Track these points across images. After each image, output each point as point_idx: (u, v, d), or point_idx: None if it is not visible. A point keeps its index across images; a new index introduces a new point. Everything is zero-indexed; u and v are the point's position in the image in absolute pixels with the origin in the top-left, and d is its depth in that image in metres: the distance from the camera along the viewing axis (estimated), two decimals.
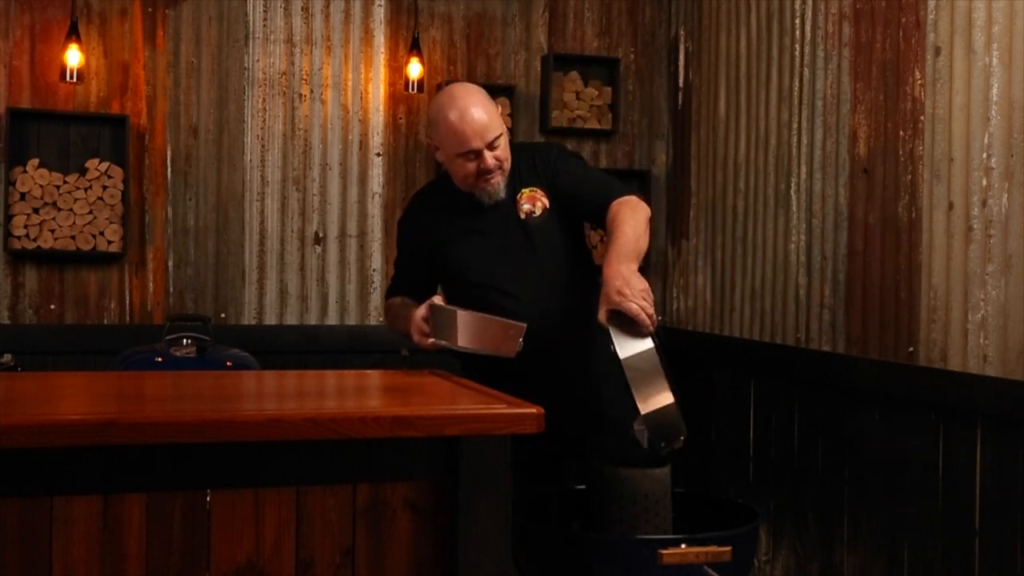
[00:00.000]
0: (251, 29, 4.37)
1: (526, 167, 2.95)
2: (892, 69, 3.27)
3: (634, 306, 2.41)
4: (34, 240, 4.08)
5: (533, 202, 2.91)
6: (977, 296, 2.90)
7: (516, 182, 2.91)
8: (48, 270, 4.16)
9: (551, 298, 2.86)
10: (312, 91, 4.43)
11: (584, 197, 2.88)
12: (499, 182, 2.86)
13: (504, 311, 2.76)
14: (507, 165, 2.87)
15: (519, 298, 2.85)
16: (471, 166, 2.81)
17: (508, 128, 4.54)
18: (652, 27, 4.79)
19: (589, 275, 2.93)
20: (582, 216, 2.94)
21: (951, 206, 3.00)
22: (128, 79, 4.25)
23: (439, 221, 2.95)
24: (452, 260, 2.93)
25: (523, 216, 2.88)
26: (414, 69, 4.40)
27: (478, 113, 2.78)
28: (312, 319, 4.42)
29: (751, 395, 4.01)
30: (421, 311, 2.76)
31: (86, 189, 4.13)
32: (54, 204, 4.10)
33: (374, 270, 4.49)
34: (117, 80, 4.24)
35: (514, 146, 3.01)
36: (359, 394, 2.22)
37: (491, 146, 2.80)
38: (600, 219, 2.84)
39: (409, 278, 3.04)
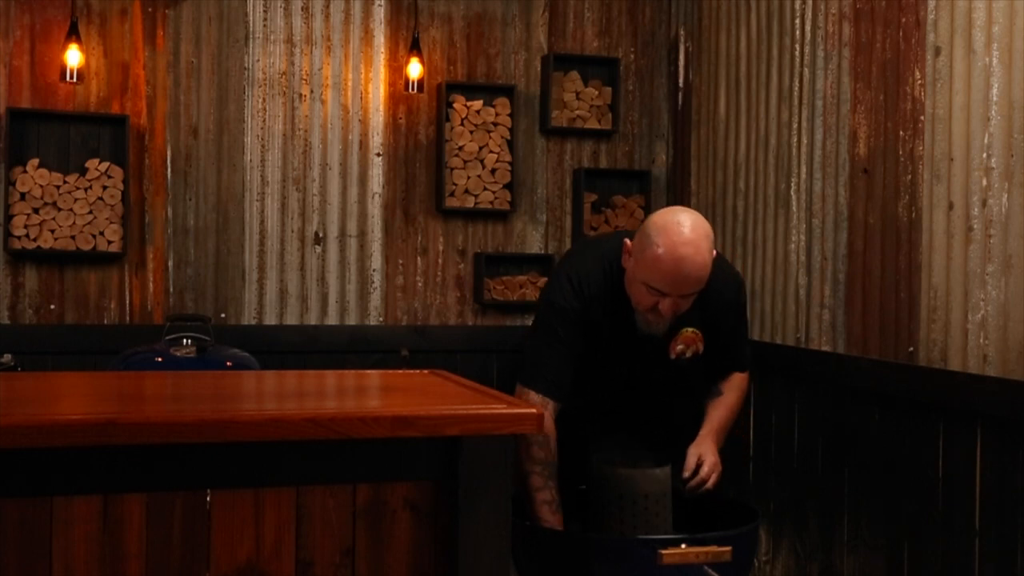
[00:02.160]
0: (251, 29, 4.37)
1: (707, 298, 2.76)
2: (892, 69, 3.27)
3: (704, 475, 2.79)
4: (34, 240, 4.08)
5: (689, 344, 2.81)
6: (977, 296, 2.90)
7: (686, 313, 2.74)
8: (48, 270, 4.16)
9: (646, 412, 2.95)
10: (312, 91, 4.43)
11: (723, 353, 2.90)
12: (664, 327, 2.73)
13: (601, 419, 2.90)
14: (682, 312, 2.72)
15: (622, 417, 2.93)
16: (649, 300, 2.66)
17: (508, 128, 4.56)
18: (652, 27, 4.79)
19: (692, 389, 2.97)
20: (708, 355, 2.88)
21: (951, 206, 3.00)
22: (128, 79, 4.25)
23: (603, 325, 2.79)
24: (593, 355, 2.81)
25: (674, 356, 2.81)
26: (414, 69, 4.40)
27: (693, 270, 2.59)
28: (312, 319, 4.42)
29: (751, 395, 4.01)
30: None
31: (86, 189, 4.13)
32: (54, 204, 4.10)
33: (374, 270, 4.49)
34: (117, 80, 4.24)
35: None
36: (359, 394, 2.22)
37: (682, 296, 2.65)
38: (713, 371, 2.92)
39: (566, 372, 2.78)
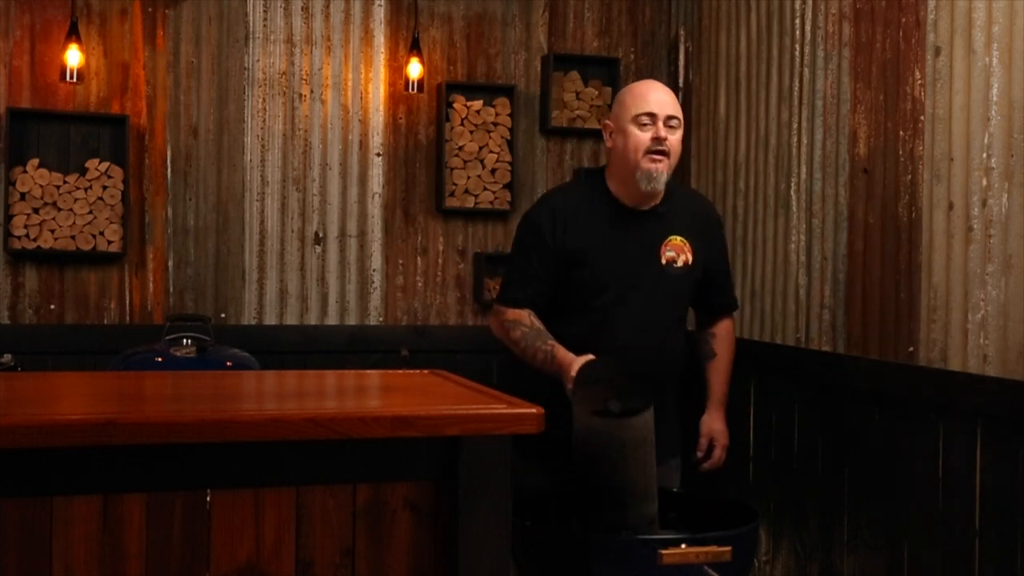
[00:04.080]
0: (251, 29, 4.37)
1: (689, 213, 3.08)
2: (892, 69, 3.27)
3: (716, 459, 3.22)
4: (34, 240, 4.08)
5: (679, 252, 3.02)
6: (977, 296, 2.90)
7: (672, 220, 3.02)
8: (48, 270, 4.16)
9: (647, 334, 3.04)
10: (312, 91, 4.43)
11: (713, 281, 3.15)
12: (664, 170, 2.94)
13: (602, 328, 2.98)
14: (674, 160, 2.97)
15: (621, 325, 3.00)
16: (645, 135, 2.91)
17: (508, 128, 4.57)
18: (652, 27, 4.79)
19: (682, 323, 3.17)
20: (700, 291, 3.14)
21: (951, 206, 3.00)
22: (128, 79, 4.25)
23: (583, 224, 2.99)
24: (585, 267, 2.98)
25: (664, 261, 3.00)
26: (414, 69, 4.40)
27: (662, 90, 2.99)
28: (312, 319, 4.42)
29: (751, 395, 4.01)
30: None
31: (86, 189, 4.13)
32: (54, 204, 4.10)
33: (374, 270, 4.49)
34: (117, 80, 4.24)
35: (687, 189, 3.32)
36: (359, 394, 2.22)
37: (668, 124, 2.93)
38: (707, 312, 3.23)
39: (541, 281, 3.00)
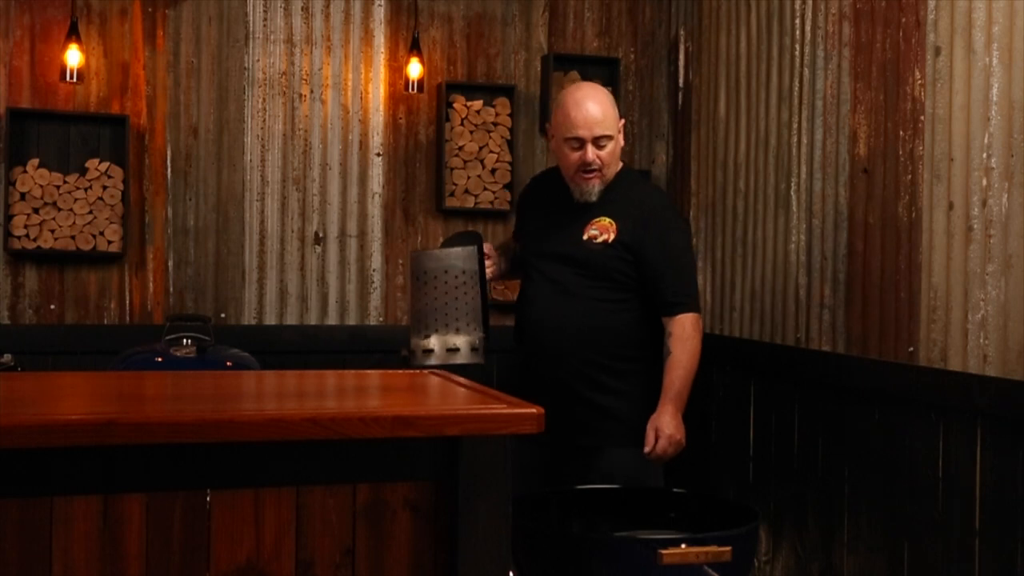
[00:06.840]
0: (251, 29, 4.37)
1: (627, 199, 3.11)
2: (892, 69, 3.27)
3: (659, 450, 3.03)
4: (34, 240, 4.08)
5: (603, 231, 3.08)
6: (977, 296, 2.90)
7: (606, 204, 3.10)
8: (48, 270, 4.16)
9: (566, 308, 3.10)
10: (312, 91, 4.43)
11: (657, 282, 3.09)
12: (595, 185, 3.06)
13: (526, 300, 3.19)
14: (608, 172, 3.07)
15: (543, 297, 3.14)
16: (575, 156, 3.03)
17: (508, 128, 4.56)
18: (652, 27, 4.79)
19: (615, 302, 3.11)
20: (643, 281, 3.11)
21: (951, 206, 3.00)
22: (128, 79, 4.25)
23: (535, 206, 3.27)
24: (523, 242, 3.28)
25: (586, 238, 3.08)
26: (414, 69, 4.40)
27: (593, 107, 3.02)
28: (312, 319, 4.42)
29: (751, 395, 4.01)
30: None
31: (86, 189, 4.13)
32: (54, 204, 4.10)
33: (374, 270, 4.49)
34: (117, 80, 4.24)
35: (639, 179, 3.28)
36: (359, 394, 2.22)
37: (597, 143, 3.01)
38: (658, 310, 3.11)
39: (512, 246, 3.38)
